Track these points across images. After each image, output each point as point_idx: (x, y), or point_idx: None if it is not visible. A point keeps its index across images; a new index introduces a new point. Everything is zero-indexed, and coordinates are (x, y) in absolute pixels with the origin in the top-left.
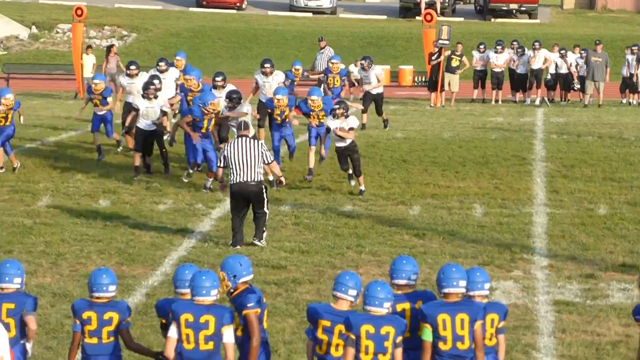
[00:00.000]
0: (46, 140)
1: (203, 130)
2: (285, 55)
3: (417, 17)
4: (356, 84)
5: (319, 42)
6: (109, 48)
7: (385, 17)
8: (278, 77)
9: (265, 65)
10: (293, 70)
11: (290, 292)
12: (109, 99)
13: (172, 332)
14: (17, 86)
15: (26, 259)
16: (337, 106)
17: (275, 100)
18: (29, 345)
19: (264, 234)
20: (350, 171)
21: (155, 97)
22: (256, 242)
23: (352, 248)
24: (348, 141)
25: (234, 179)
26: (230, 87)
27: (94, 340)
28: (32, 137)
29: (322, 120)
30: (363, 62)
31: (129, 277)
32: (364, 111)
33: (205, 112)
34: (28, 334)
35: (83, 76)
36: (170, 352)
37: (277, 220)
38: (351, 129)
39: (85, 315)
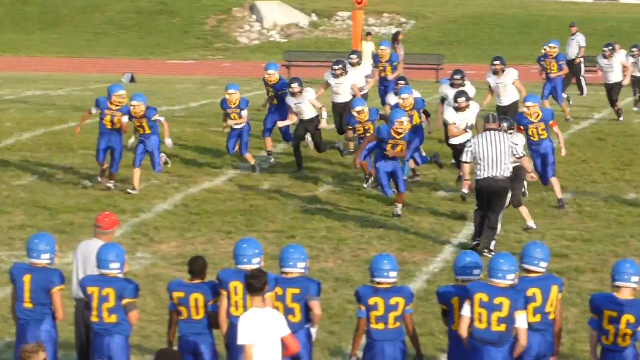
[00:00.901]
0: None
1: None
2: (564, 41)
3: None
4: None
5: (570, 27)
6: (395, 36)
7: None
8: (365, 69)
9: (352, 57)
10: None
11: (572, 281)
12: (244, 112)
13: (466, 310)
14: (298, 73)
15: (308, 243)
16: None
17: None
18: (313, 330)
19: (493, 244)
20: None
21: (300, 92)
22: (485, 253)
23: (636, 237)
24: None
25: (481, 174)
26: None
27: (381, 326)
28: None
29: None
30: (605, 49)
31: (410, 263)
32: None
33: (393, 133)
34: (313, 319)
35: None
36: (463, 330)
37: (558, 209)
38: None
39: (371, 301)
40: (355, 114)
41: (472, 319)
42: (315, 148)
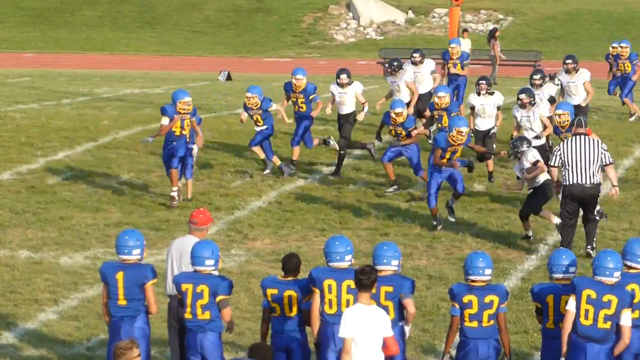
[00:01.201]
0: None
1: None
2: None
3: None
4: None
5: None
6: (493, 33)
7: None
8: (429, 66)
9: (415, 55)
10: None
11: None
12: (273, 107)
13: (571, 305)
14: None
15: (402, 241)
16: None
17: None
18: (407, 328)
19: (595, 242)
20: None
21: (348, 84)
22: (589, 250)
23: None
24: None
25: (569, 180)
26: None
27: (474, 324)
28: None
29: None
30: None
31: (504, 260)
32: None
33: (451, 140)
34: (406, 317)
35: None
36: (568, 325)
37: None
38: (537, 162)
39: (465, 299)
40: (393, 115)
41: (577, 315)
42: (340, 144)
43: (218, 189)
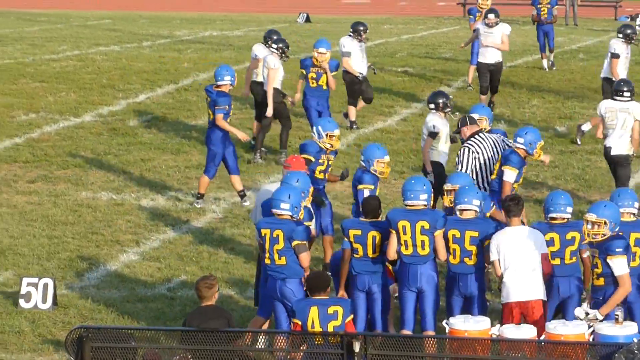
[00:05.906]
0: None
1: None
2: None
3: None
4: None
5: None
6: None
7: None
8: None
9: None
10: None
11: None
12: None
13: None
14: None
15: None
16: None
17: None
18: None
19: None
20: None
21: None
22: None
23: None
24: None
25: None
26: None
27: (556, 262)
28: None
29: None
30: None
31: (585, 203)
32: None
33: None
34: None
35: None
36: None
37: None
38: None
39: (547, 236)
40: None
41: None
42: None
43: (297, 132)
